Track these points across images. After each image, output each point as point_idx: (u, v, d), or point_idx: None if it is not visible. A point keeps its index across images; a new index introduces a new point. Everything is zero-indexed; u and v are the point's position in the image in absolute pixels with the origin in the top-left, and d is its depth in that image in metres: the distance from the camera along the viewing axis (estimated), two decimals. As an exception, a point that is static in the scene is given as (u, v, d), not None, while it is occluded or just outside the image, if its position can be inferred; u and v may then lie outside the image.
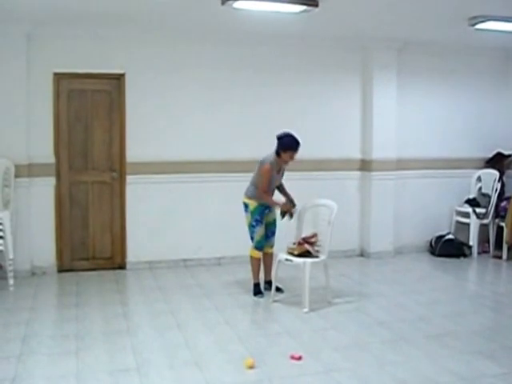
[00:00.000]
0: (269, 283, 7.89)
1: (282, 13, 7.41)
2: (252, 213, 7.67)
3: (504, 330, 6.83)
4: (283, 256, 7.48)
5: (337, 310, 7.35)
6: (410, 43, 9.87)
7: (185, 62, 9.17)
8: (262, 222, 7.68)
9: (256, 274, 7.86)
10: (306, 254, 7.39)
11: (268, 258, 7.94)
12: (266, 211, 7.72)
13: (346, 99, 10.05)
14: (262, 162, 7.61)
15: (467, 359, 5.86)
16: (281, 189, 7.88)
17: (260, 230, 7.68)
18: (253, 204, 7.66)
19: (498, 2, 7.05)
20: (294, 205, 7.70)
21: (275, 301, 7.59)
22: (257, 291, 7.84)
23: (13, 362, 5.64)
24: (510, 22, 7.89)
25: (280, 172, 7.73)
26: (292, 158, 7.52)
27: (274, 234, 7.89)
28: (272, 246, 7.92)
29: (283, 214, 7.66)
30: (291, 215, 7.65)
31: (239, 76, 9.40)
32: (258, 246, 7.74)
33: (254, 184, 7.69)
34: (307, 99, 9.77)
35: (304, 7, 7.03)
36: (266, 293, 7.81)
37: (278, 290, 7.82)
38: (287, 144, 7.46)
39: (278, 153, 7.54)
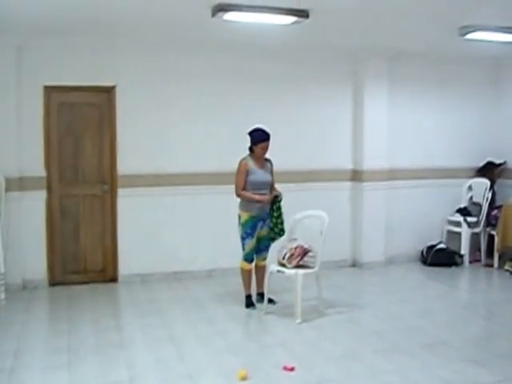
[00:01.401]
0: (261, 295, 7.89)
1: (273, 24, 7.43)
2: (242, 225, 7.68)
3: (496, 339, 6.87)
4: (275, 268, 7.49)
5: (329, 321, 7.36)
6: (401, 53, 9.91)
7: (175, 74, 9.18)
8: (253, 235, 7.67)
9: (247, 285, 7.88)
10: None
11: (260, 271, 7.96)
12: (260, 224, 7.70)
13: (337, 109, 10.08)
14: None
15: (460, 368, 5.88)
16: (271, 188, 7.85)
17: (250, 243, 7.69)
18: (243, 216, 7.67)
19: (486, 13, 7.09)
20: (276, 196, 7.73)
21: (268, 312, 7.59)
22: (248, 303, 7.84)
23: (5, 376, 5.62)
24: (498, 33, 7.93)
25: (264, 168, 7.72)
26: (263, 149, 7.63)
27: (267, 247, 7.89)
28: (264, 259, 7.92)
29: (272, 206, 7.70)
30: (276, 201, 7.69)
31: (230, 87, 9.42)
32: (247, 258, 7.76)
33: None
34: (298, 109, 9.80)
35: (294, 18, 7.04)
36: (258, 305, 7.82)
37: (271, 301, 7.81)
38: (256, 137, 7.62)
39: (250, 148, 7.70)
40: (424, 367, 5.89)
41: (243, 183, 7.61)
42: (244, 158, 7.69)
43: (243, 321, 7.51)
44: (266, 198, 7.61)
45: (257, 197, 7.57)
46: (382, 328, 7.12)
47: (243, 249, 7.73)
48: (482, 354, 6.28)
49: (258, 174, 7.63)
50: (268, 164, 7.79)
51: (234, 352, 6.31)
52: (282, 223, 7.73)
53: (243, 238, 7.70)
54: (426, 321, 7.40)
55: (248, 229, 7.65)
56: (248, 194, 7.60)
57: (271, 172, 7.81)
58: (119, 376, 5.66)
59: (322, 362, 6.03)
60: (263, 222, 7.72)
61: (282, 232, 7.73)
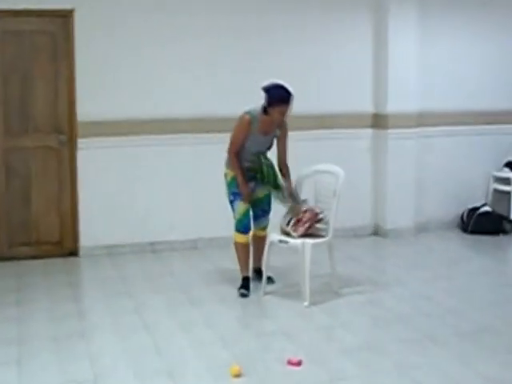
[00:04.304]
0: (258, 272, 7.88)
1: None
2: (229, 185, 7.60)
3: (554, 325, 6.88)
4: (276, 237, 7.47)
5: (345, 303, 7.39)
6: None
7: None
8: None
9: (243, 264, 7.70)
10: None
11: (260, 243, 7.82)
12: (252, 184, 7.58)
13: (355, 41, 10.03)
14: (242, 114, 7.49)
15: (508, 361, 5.89)
16: (282, 167, 7.65)
17: (240, 207, 7.54)
18: (230, 174, 7.58)
19: None
20: (294, 200, 7.53)
21: (267, 293, 7.60)
22: (243, 286, 7.64)
23: None
24: None
25: (270, 135, 7.53)
26: (282, 114, 7.31)
27: (266, 213, 7.79)
28: (264, 228, 7.83)
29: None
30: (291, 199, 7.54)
31: (224, 19, 9.34)
32: (240, 228, 7.60)
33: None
34: (307, 44, 9.74)
35: None
36: (254, 283, 7.77)
37: (269, 279, 7.79)
38: (276, 96, 7.28)
39: (264, 109, 7.37)
40: (463, 360, 5.89)
41: (240, 145, 7.42)
42: (249, 113, 7.41)
43: (236, 303, 7.51)
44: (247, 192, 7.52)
45: (242, 185, 7.44)
46: (410, 312, 7.14)
47: (234, 215, 7.65)
48: (535, 344, 6.32)
49: (257, 143, 7.46)
50: (277, 130, 7.54)
51: (225, 342, 6.32)
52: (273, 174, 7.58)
53: (231, 202, 7.60)
54: (467, 303, 7.42)
55: (235, 188, 7.53)
56: (238, 167, 7.42)
57: (281, 137, 7.60)
58: (81, 373, 5.66)
59: (336, 355, 6.04)
60: (256, 182, 7.62)
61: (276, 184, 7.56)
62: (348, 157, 9.46)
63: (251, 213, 7.72)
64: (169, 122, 9.23)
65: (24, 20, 8.79)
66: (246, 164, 7.49)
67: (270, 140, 7.59)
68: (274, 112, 7.30)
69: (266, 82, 7.42)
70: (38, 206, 9.04)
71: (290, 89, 7.39)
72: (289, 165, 7.68)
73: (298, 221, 7.40)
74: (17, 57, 8.82)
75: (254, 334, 6.65)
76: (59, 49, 8.93)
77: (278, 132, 7.57)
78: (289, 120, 7.62)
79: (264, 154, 7.62)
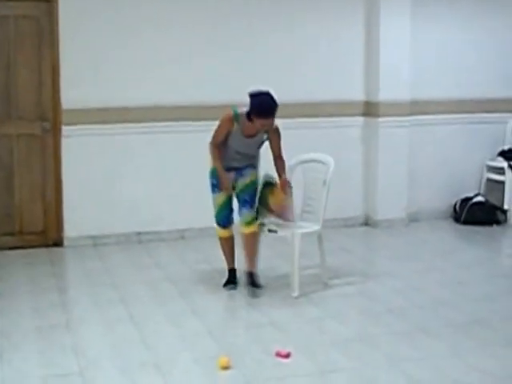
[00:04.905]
0: (250, 276, 7.52)
1: None
2: (210, 174, 7.45)
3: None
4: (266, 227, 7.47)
5: (335, 295, 7.40)
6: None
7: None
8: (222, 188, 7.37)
9: (227, 258, 7.64)
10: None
11: (245, 241, 7.47)
12: (233, 174, 7.39)
13: (347, 28, 10.03)
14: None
15: (501, 354, 5.90)
16: (276, 161, 7.39)
17: (218, 199, 7.39)
18: (210, 165, 7.43)
19: None
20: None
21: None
22: (229, 281, 7.59)
23: None
24: None
25: (255, 138, 7.28)
26: (264, 126, 7.07)
27: (246, 203, 7.41)
28: (247, 224, 7.35)
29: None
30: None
31: (211, 7, 9.33)
32: (218, 221, 7.49)
33: None
34: (297, 31, 9.74)
35: None
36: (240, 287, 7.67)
37: (254, 284, 7.48)
38: (258, 108, 7.03)
39: (248, 115, 7.14)
40: (456, 353, 5.91)
41: (221, 139, 7.26)
42: (234, 116, 7.17)
43: (224, 295, 7.51)
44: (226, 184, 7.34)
45: (221, 174, 7.27)
46: (402, 304, 7.16)
47: (213, 207, 7.52)
48: (528, 336, 6.34)
49: (242, 144, 7.28)
50: (264, 134, 7.30)
51: (213, 334, 6.32)
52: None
53: (212, 193, 7.47)
54: (460, 295, 7.44)
55: (214, 179, 7.38)
56: (218, 157, 7.27)
57: (273, 142, 7.35)
58: (66, 366, 5.65)
59: (326, 347, 6.05)
60: (237, 173, 7.39)
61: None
62: (338, 145, 9.45)
63: (235, 206, 7.54)
64: (156, 110, 9.20)
65: (8, 4, 8.75)
66: (233, 163, 7.35)
67: (257, 143, 7.37)
68: (257, 122, 7.05)
69: (254, 88, 7.14)
70: (21, 195, 9.02)
71: (276, 100, 7.07)
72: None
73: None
74: (0, 42, 8.79)
75: (242, 325, 6.70)
76: (44, 34, 8.90)
77: (264, 136, 7.33)
78: (280, 109, 7.28)
79: (253, 155, 7.44)
